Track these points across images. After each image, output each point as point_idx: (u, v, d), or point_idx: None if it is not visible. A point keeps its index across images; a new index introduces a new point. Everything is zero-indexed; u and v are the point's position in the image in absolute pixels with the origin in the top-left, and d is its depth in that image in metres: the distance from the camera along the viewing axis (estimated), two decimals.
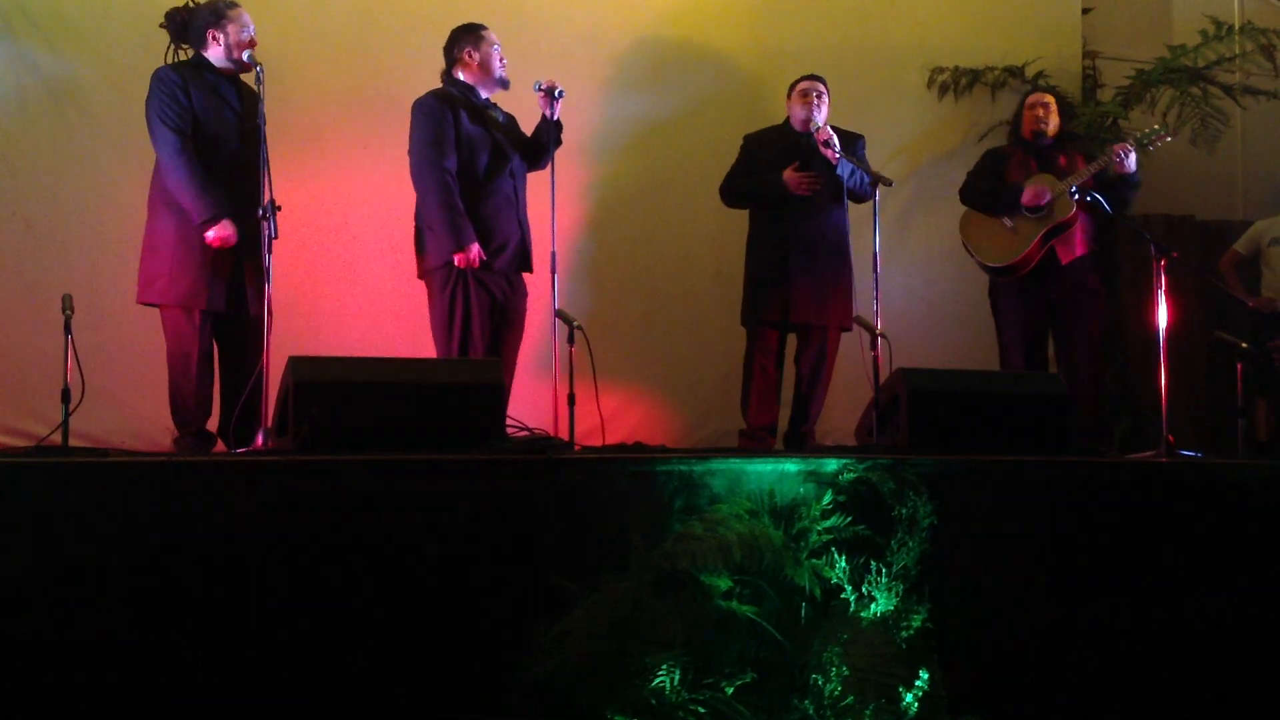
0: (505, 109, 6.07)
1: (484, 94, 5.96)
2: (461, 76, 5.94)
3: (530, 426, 5.61)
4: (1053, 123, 6.70)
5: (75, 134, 6.33)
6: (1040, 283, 6.56)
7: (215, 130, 5.47)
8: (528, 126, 6.04)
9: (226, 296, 5.45)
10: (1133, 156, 6.37)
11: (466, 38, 5.93)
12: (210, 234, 5.35)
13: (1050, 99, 6.79)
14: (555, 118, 5.81)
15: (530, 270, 5.94)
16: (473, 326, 5.72)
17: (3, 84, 6.25)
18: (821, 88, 6.47)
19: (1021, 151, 6.73)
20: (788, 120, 6.56)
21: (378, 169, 6.59)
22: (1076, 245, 6.53)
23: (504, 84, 5.95)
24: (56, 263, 6.22)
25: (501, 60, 5.93)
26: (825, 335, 6.37)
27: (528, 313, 6.01)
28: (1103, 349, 6.74)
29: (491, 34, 5.94)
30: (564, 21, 7.07)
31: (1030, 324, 6.65)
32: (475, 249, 5.69)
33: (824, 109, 6.43)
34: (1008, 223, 6.58)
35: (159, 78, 5.50)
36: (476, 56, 5.91)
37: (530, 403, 5.96)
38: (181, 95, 5.44)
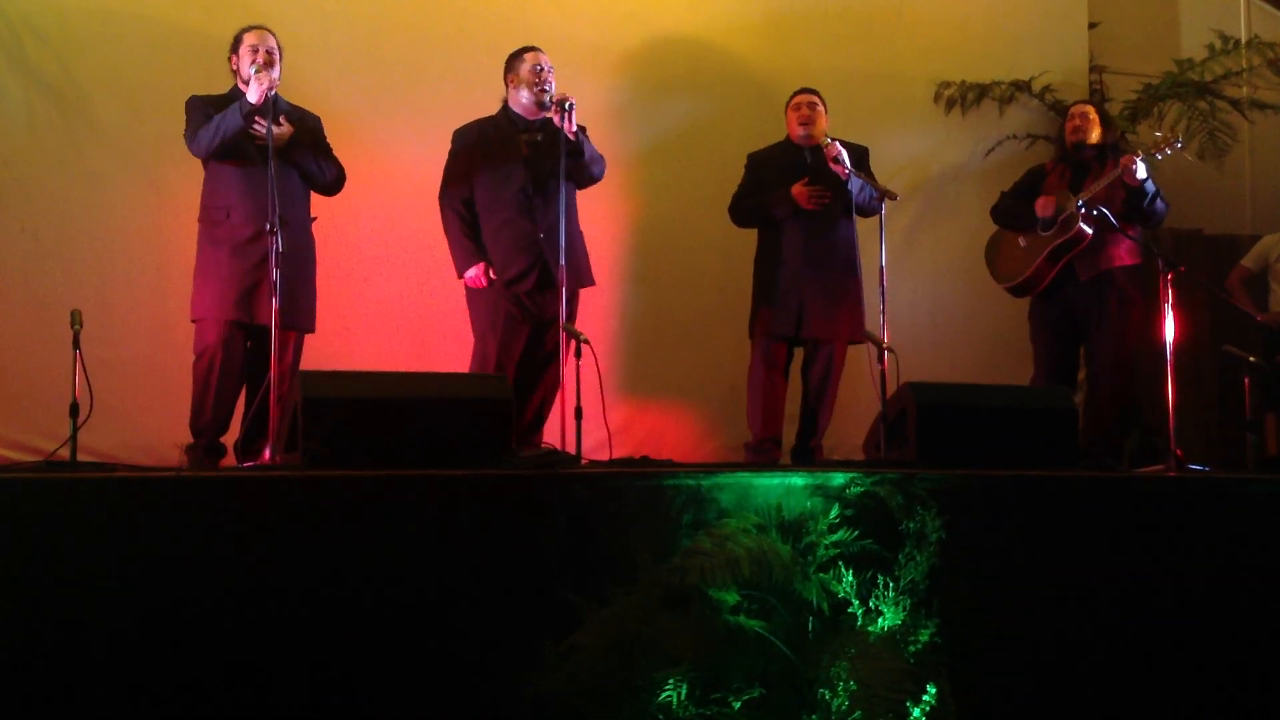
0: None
1: (531, 116, 5.97)
2: (510, 102, 6.00)
3: (539, 442, 5.63)
4: (1093, 133, 6.66)
5: (83, 149, 6.35)
6: (1063, 299, 6.55)
7: (236, 153, 5.52)
8: None
9: (261, 311, 5.45)
10: (1140, 166, 6.34)
11: (512, 63, 6.01)
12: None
13: (1090, 109, 6.76)
14: (574, 129, 5.80)
15: (554, 287, 5.77)
16: (488, 344, 5.85)
17: (11, 98, 6.27)
18: (816, 99, 6.48)
19: (1061, 165, 6.72)
20: (789, 137, 6.56)
21: (386, 184, 6.61)
22: (1111, 258, 6.47)
23: (543, 106, 5.91)
24: (65, 277, 6.24)
25: (537, 82, 5.91)
26: (833, 348, 6.36)
27: None
28: (1128, 362, 6.66)
29: (534, 56, 5.95)
30: (571, 38, 7.06)
31: (1052, 341, 6.62)
32: (479, 268, 5.81)
33: (820, 121, 6.44)
34: (1022, 241, 6.58)
35: (186, 105, 5.65)
36: (517, 81, 5.96)
37: None
38: (210, 110, 5.57)
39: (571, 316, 5.76)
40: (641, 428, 7.01)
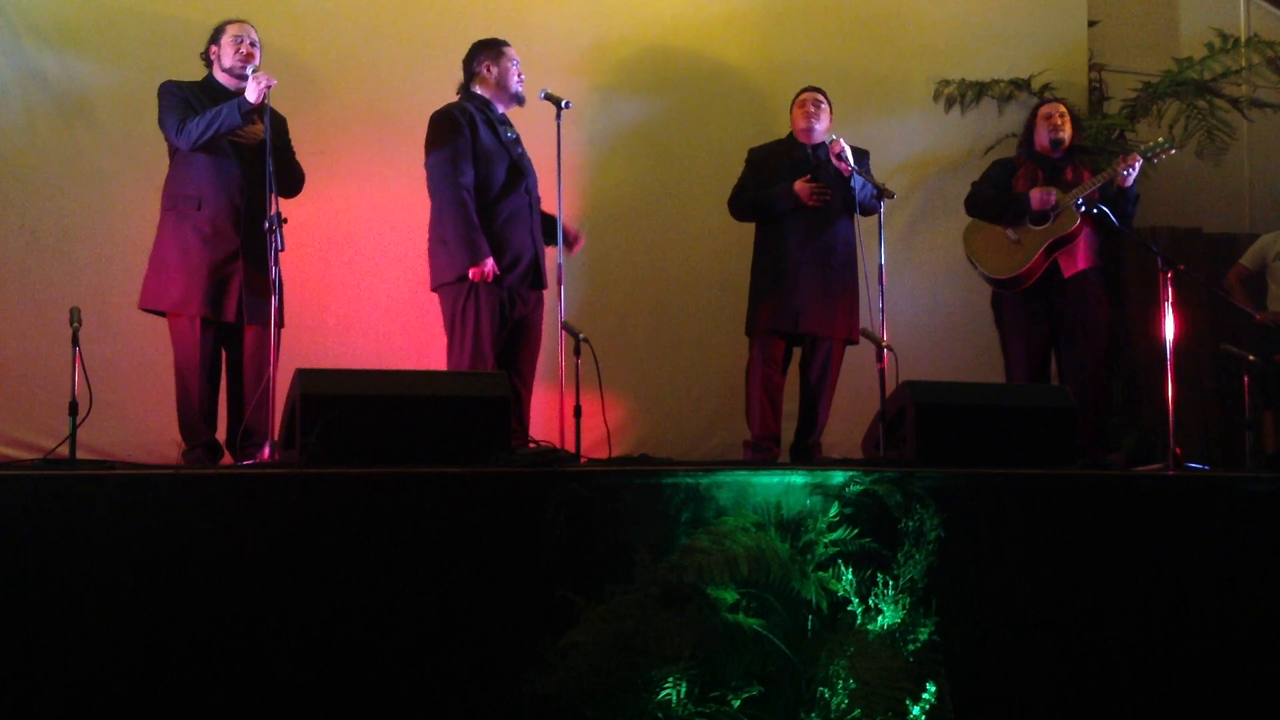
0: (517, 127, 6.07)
1: (500, 109, 5.96)
2: (478, 90, 5.95)
3: (536, 439, 5.62)
4: (1068, 132, 6.69)
5: (82, 146, 6.35)
6: (1044, 295, 6.54)
7: (210, 144, 5.49)
8: (541, 137, 6.03)
9: (229, 306, 5.46)
10: (1136, 170, 6.36)
11: (486, 52, 5.95)
12: None
13: (1064, 108, 6.77)
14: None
15: (544, 286, 5.90)
16: (484, 341, 5.70)
17: (10, 96, 6.27)
18: (821, 98, 6.50)
19: (1030, 163, 6.71)
20: (792, 133, 6.57)
21: (385, 181, 6.61)
22: (1079, 258, 6.51)
23: (519, 100, 5.95)
24: (64, 275, 6.24)
25: (519, 76, 5.93)
26: (831, 347, 6.36)
27: None
28: (1107, 361, 6.70)
29: (511, 50, 5.94)
30: (568, 35, 7.08)
31: (1034, 336, 6.61)
32: (490, 263, 5.67)
33: (824, 119, 6.45)
34: (1011, 235, 6.57)
35: (159, 90, 5.60)
36: (495, 71, 5.92)
37: (536, 415, 5.97)
38: (188, 97, 5.54)
39: (537, 320, 5.85)
40: (641, 426, 7.02)
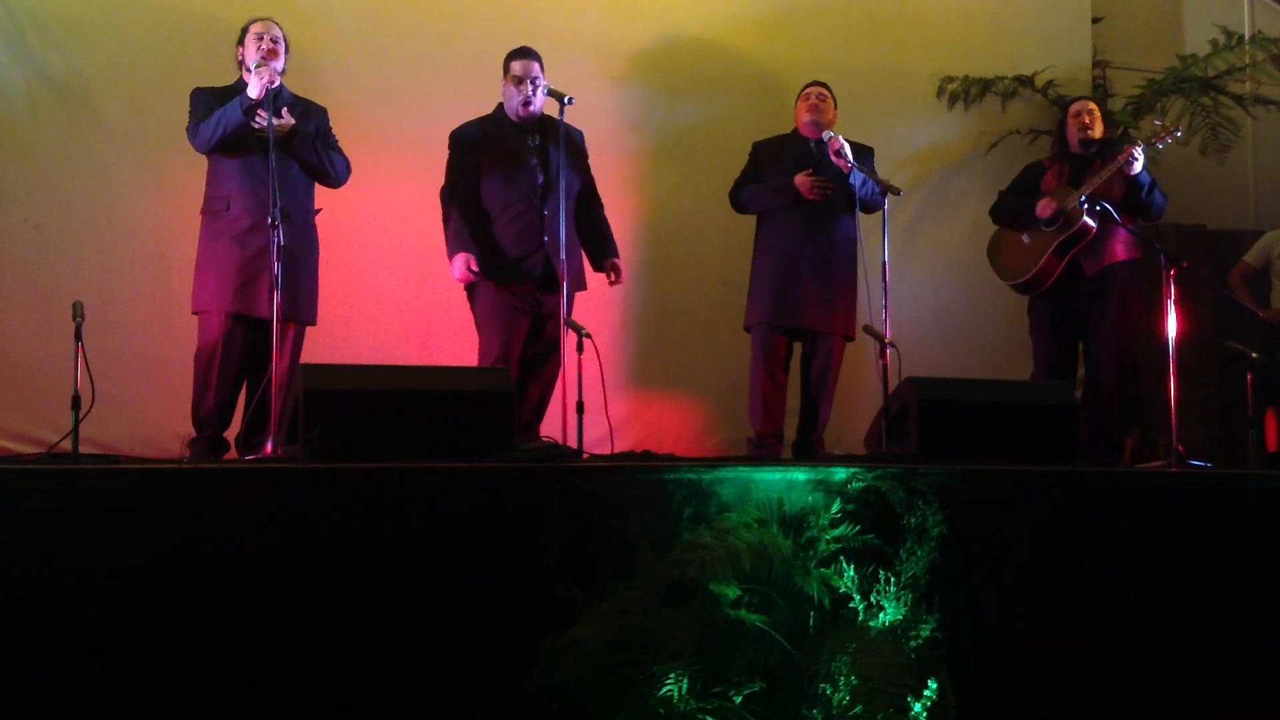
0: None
1: (520, 119, 5.95)
2: (504, 100, 6.01)
3: (539, 435, 5.63)
4: (1098, 129, 6.67)
5: (86, 140, 6.35)
6: (1067, 295, 6.53)
7: (238, 145, 5.52)
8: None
9: (260, 303, 5.44)
10: (1138, 158, 6.34)
11: (504, 65, 5.99)
12: None
13: (1094, 105, 6.75)
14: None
15: (555, 290, 5.81)
16: (493, 338, 5.81)
17: (13, 89, 6.26)
18: (826, 93, 6.52)
19: (1059, 162, 6.70)
20: (796, 128, 6.57)
21: (389, 177, 6.60)
22: (1114, 252, 6.47)
23: (517, 116, 5.95)
24: (67, 269, 6.24)
25: (523, 93, 5.89)
26: (831, 342, 6.36)
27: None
28: (1130, 357, 6.66)
29: (522, 65, 5.92)
30: (575, 34, 7.06)
31: (1056, 336, 6.60)
32: (460, 262, 5.75)
33: (828, 112, 6.46)
34: (1025, 239, 6.56)
35: (191, 96, 5.65)
36: (507, 83, 5.95)
37: None
38: (212, 102, 5.57)
39: (551, 324, 5.82)
40: (643, 422, 7.01)
